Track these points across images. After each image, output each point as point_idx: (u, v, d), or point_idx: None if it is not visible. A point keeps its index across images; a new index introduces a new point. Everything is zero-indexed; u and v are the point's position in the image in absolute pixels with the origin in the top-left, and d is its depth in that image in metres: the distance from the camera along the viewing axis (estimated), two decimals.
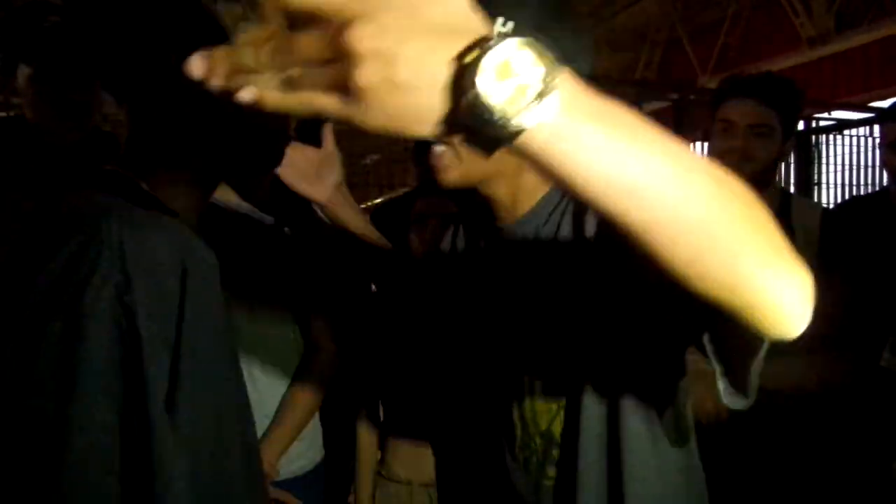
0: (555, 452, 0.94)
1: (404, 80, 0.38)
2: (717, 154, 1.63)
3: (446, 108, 0.40)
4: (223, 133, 0.74)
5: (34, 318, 0.62)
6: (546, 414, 0.94)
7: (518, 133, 0.41)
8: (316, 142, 1.21)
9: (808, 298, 0.52)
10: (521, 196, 0.94)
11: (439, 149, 0.91)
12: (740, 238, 0.47)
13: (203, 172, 0.77)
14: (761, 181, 1.57)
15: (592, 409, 0.89)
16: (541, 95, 0.40)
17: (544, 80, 0.40)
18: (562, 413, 0.93)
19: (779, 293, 0.50)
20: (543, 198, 0.94)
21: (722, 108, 1.64)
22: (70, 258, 0.63)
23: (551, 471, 0.94)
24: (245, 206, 1.51)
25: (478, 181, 0.93)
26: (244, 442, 0.72)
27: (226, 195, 1.47)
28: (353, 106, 0.39)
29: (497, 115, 0.39)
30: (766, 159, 1.58)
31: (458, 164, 0.90)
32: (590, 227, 0.89)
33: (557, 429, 0.93)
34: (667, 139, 0.46)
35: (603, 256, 0.85)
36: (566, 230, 0.92)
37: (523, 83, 0.40)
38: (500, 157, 0.89)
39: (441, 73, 0.39)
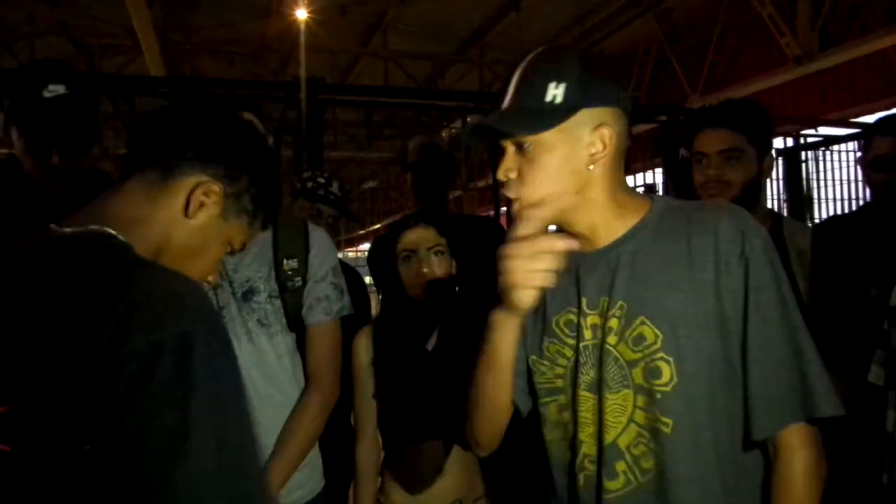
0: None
1: None
2: (698, 187, 1.67)
3: None
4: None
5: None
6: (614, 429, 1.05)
7: None
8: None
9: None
10: (600, 231, 1.09)
11: (517, 203, 1.05)
12: None
13: None
14: (745, 204, 1.60)
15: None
16: None
17: None
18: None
19: None
20: (622, 236, 1.08)
21: (694, 143, 1.70)
22: (100, 310, 0.68)
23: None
24: None
25: (559, 221, 1.08)
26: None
27: None
28: None
29: None
30: (742, 182, 1.62)
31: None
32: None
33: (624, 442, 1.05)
34: None
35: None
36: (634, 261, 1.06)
37: None
38: (570, 200, 1.06)
39: None
